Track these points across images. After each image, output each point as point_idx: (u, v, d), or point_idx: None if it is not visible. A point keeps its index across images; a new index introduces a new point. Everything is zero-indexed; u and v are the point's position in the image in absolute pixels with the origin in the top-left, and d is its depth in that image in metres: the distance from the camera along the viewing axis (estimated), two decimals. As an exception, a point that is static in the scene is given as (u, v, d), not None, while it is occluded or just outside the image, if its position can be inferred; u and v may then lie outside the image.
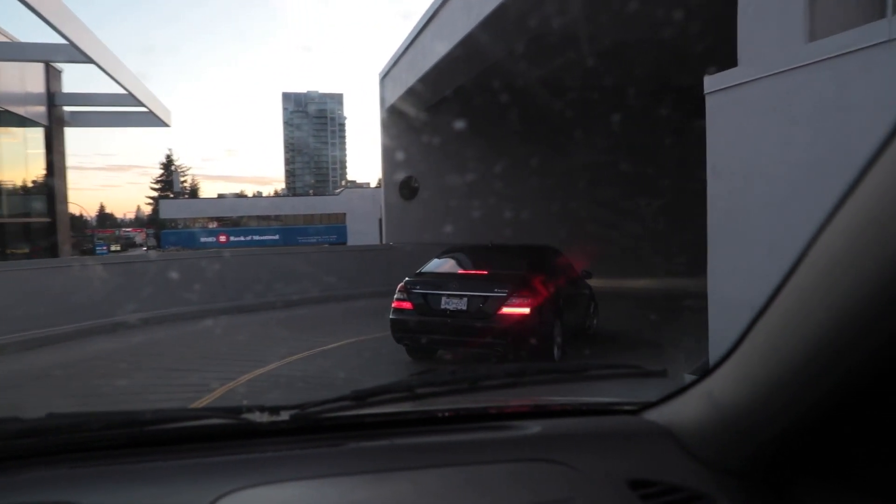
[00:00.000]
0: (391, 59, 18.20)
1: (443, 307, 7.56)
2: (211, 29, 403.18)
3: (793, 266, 0.92)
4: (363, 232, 40.91)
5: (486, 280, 7.78)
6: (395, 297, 7.97)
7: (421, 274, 8.33)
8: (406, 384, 1.44)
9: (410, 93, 16.72)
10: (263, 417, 1.32)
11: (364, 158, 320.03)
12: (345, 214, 52.71)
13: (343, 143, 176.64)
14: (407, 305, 7.82)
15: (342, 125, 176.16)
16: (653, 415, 1.43)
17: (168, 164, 75.36)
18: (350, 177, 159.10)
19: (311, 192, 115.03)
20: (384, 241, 19.56)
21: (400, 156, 18.84)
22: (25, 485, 1.13)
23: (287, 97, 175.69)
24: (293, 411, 1.33)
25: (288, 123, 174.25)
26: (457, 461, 1.28)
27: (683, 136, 18.18)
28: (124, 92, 15.32)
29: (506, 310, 7.24)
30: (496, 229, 18.21)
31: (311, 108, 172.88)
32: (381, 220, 38.66)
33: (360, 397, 1.36)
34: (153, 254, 25.57)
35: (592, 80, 16.54)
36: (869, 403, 0.95)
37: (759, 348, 1.04)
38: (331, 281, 15.47)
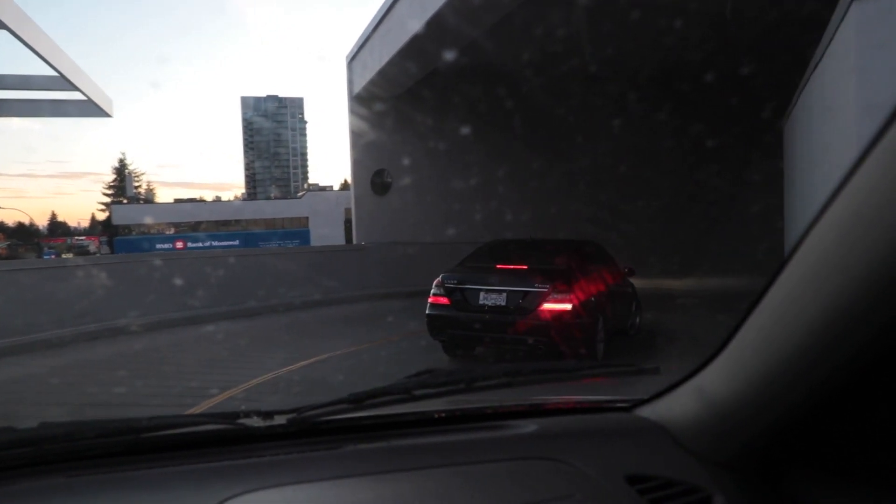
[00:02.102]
0: (359, 38, 16.53)
1: (481, 302, 7.29)
2: (166, 34, 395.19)
3: (784, 261, 0.93)
4: (327, 236, 40.09)
5: (526, 275, 7.40)
6: (432, 291, 7.70)
7: (458, 268, 8.02)
8: (403, 386, 1.46)
9: (382, 75, 15.10)
10: (261, 422, 1.32)
11: (327, 162, 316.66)
12: (307, 218, 52.08)
13: (304, 147, 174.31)
14: (443, 301, 7.55)
15: (303, 129, 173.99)
16: (646, 411, 1.44)
17: (121, 169, 72.29)
18: (312, 180, 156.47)
19: (272, 195, 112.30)
20: (355, 242, 17.81)
21: (370, 147, 17.22)
22: (21, 495, 1.13)
23: (246, 101, 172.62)
24: (290, 415, 1.34)
25: (247, 128, 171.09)
26: (455, 461, 1.28)
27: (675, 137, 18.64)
28: (54, 74, 13.35)
29: (547, 305, 6.95)
30: (480, 225, 16.98)
31: (271, 112, 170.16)
32: (346, 222, 38.14)
33: (358, 400, 1.38)
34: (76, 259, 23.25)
35: (578, 62, 15.19)
36: (858, 395, 0.96)
37: (751, 342, 1.06)
38: (295, 286, 13.76)
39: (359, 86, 16.88)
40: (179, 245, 47.13)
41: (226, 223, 58.04)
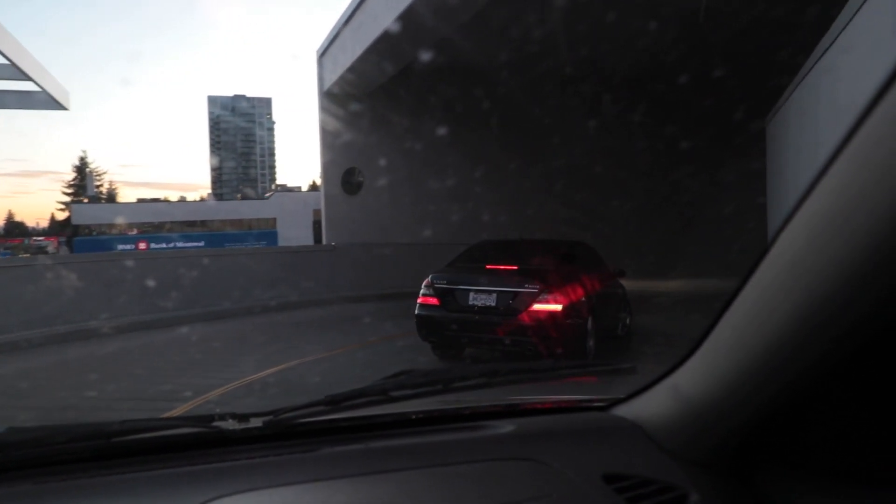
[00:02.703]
0: (330, 32, 15.97)
1: (470, 303, 7.24)
2: (131, 32, 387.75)
3: (756, 261, 0.95)
4: (295, 237, 39.56)
5: (516, 275, 7.33)
6: (421, 292, 7.62)
7: (447, 268, 7.98)
8: (380, 387, 1.46)
9: (353, 71, 14.58)
10: (236, 425, 1.30)
11: (295, 162, 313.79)
12: (275, 219, 51.42)
13: (272, 148, 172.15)
14: (433, 301, 7.48)
15: (271, 129, 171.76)
16: (622, 410, 1.45)
17: (82, 167, 70.29)
18: (281, 181, 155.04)
19: (239, 196, 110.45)
20: (326, 242, 17.20)
21: (342, 145, 16.67)
22: None
23: (213, 101, 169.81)
24: (266, 418, 1.32)
25: (214, 128, 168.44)
26: (432, 462, 1.27)
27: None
28: (4, 62, 12.55)
29: (537, 306, 6.92)
30: (456, 226, 16.58)
31: (239, 112, 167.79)
32: (315, 224, 37.58)
33: (334, 402, 1.37)
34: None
35: (553, 63, 14.87)
36: (827, 393, 0.99)
37: (724, 341, 1.07)
38: (263, 288, 13.15)
39: (329, 82, 16.33)
40: (143, 246, 45.86)
41: (191, 224, 56.93)
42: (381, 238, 16.16)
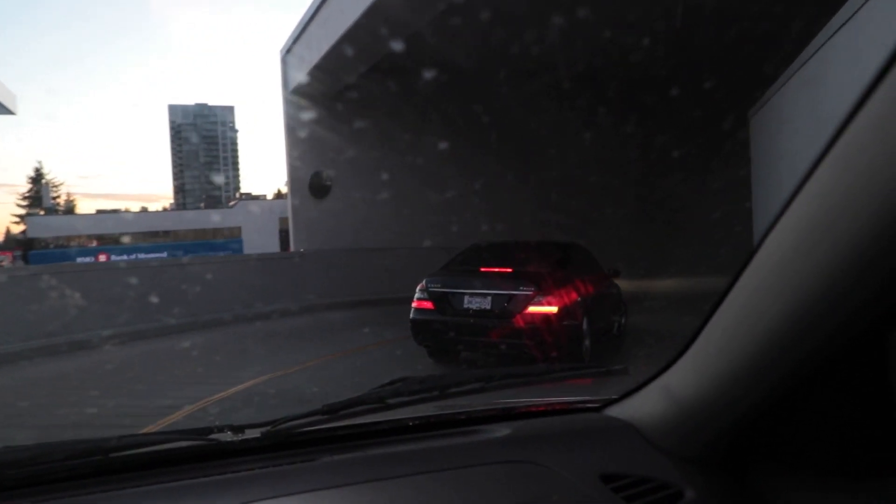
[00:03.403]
0: (295, 29, 15.31)
1: (465, 306, 7.20)
2: (86, 41, 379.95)
3: (743, 264, 0.97)
4: (261, 246, 38.87)
5: (510, 278, 7.27)
6: (416, 296, 7.57)
7: (442, 272, 7.91)
8: (377, 395, 1.47)
9: (320, 69, 13.96)
10: (234, 437, 1.30)
11: (260, 171, 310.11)
12: (240, 228, 50.69)
13: (236, 156, 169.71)
14: (427, 305, 7.44)
15: (234, 137, 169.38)
16: (615, 410, 1.47)
17: (37, 179, 68.04)
18: (245, 190, 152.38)
19: (201, 205, 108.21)
20: (293, 249, 16.48)
21: (308, 147, 16.02)
22: None
23: (174, 109, 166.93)
24: (264, 428, 1.32)
25: (176, 137, 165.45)
26: (431, 468, 1.28)
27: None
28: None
29: (532, 309, 6.89)
30: (429, 229, 16.08)
31: (201, 121, 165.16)
32: (282, 232, 36.91)
33: (332, 411, 1.38)
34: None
35: (526, 53, 14.44)
36: (816, 389, 1.02)
37: (715, 342, 1.09)
38: (226, 299, 12.42)
39: (295, 81, 15.67)
40: (102, 258, 44.52)
41: (153, 235, 55.49)
42: (352, 243, 15.54)
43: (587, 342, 7.40)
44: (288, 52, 16.08)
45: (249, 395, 6.56)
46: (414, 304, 7.59)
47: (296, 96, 15.96)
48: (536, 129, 17.04)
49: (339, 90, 15.25)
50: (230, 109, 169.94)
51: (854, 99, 0.73)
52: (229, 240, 49.84)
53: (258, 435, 1.32)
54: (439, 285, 7.51)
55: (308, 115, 15.82)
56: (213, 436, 1.31)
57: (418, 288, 7.63)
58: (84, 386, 7.54)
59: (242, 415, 5.88)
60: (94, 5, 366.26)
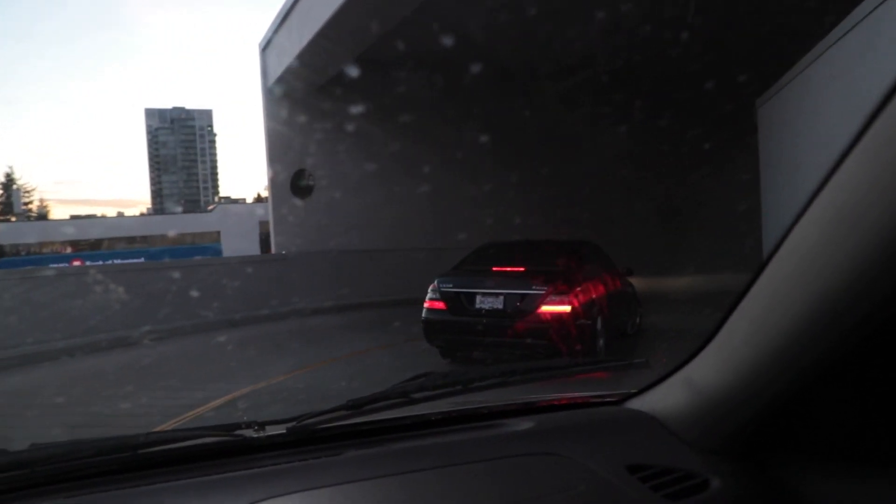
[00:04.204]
0: (275, 20, 14.55)
1: (477, 306, 7.16)
2: (60, 46, 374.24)
3: (769, 256, 0.98)
4: (242, 250, 38.16)
5: (523, 277, 7.25)
6: (428, 296, 7.55)
7: (454, 271, 7.88)
8: (401, 390, 1.48)
9: (302, 61, 13.23)
10: (260, 432, 1.32)
11: (240, 174, 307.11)
12: (219, 233, 50.14)
13: (214, 160, 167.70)
14: (439, 305, 7.41)
15: (213, 141, 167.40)
16: (637, 403, 1.49)
17: (8, 184, 66.31)
18: (224, 194, 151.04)
19: (179, 209, 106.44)
20: (275, 251, 15.70)
21: (290, 145, 15.28)
22: None
23: (150, 113, 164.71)
24: (290, 424, 1.35)
25: (153, 141, 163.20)
26: (455, 461, 1.29)
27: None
28: None
29: (545, 308, 6.83)
30: (418, 229, 15.49)
31: (178, 125, 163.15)
32: (262, 236, 36.26)
33: (357, 406, 1.40)
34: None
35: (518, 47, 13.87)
36: (838, 378, 1.03)
37: (740, 333, 1.11)
38: (203, 304, 11.65)
39: (274, 75, 14.92)
40: (77, 265, 43.42)
41: (130, 240, 53.95)
42: (336, 245, 14.81)
43: (601, 341, 7.36)
44: (268, 44, 15.33)
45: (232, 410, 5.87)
46: (426, 305, 7.57)
47: (276, 91, 15.20)
48: (534, 128, 16.42)
49: (323, 84, 14.52)
50: (208, 113, 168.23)
51: (882, 91, 0.73)
52: (208, 244, 49.24)
53: (283, 431, 1.33)
54: (451, 285, 7.45)
55: (289, 110, 15.08)
56: (238, 432, 1.32)
57: (430, 288, 7.60)
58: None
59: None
60: (67, 6, 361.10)
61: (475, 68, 14.04)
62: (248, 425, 1.33)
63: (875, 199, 0.77)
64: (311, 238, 14.97)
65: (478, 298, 7.19)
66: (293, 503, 1.14)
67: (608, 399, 1.59)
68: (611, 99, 16.64)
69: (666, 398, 1.38)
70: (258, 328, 11.70)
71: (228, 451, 1.30)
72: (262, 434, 1.32)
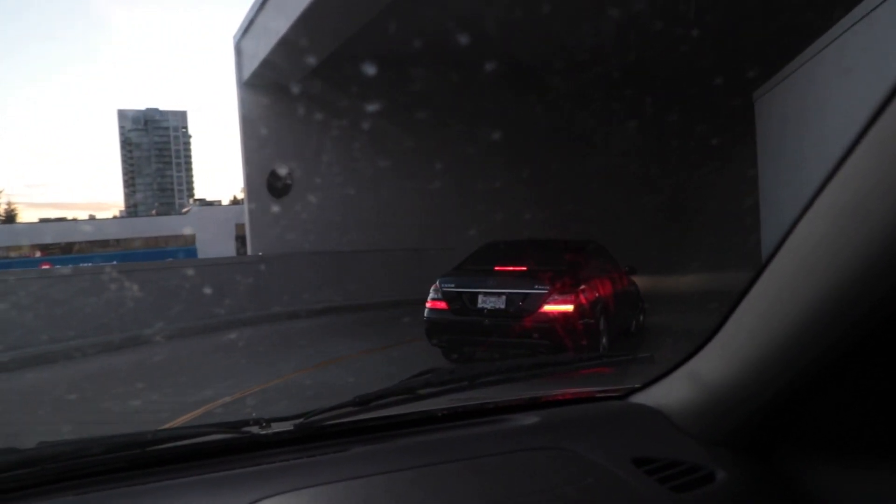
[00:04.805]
0: (249, 11, 13.93)
1: (480, 306, 7.14)
2: (29, 46, 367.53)
3: (774, 250, 0.99)
4: (217, 253, 37.78)
5: (525, 276, 7.23)
6: (430, 296, 7.51)
7: (455, 271, 7.85)
8: (407, 386, 1.48)
9: (278, 54, 12.64)
10: (267, 429, 1.32)
11: (215, 176, 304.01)
12: (194, 235, 49.62)
13: (189, 162, 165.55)
14: (441, 305, 7.39)
15: (187, 142, 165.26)
16: (642, 397, 1.50)
17: (-25, 187, 64.60)
18: (199, 195, 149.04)
19: (153, 212, 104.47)
20: (251, 253, 15.05)
21: (266, 142, 14.69)
22: None
23: (124, 115, 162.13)
24: (297, 420, 1.35)
25: (126, 143, 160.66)
26: (462, 456, 1.29)
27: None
28: None
29: (547, 307, 6.82)
30: (401, 229, 14.99)
31: (152, 126, 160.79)
32: (238, 238, 35.66)
33: (363, 402, 1.40)
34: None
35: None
36: (845, 373, 1.03)
37: (745, 327, 1.12)
38: (178, 309, 11.03)
39: (250, 69, 14.29)
40: (47, 268, 42.28)
41: (103, 243, 52.96)
42: (316, 246, 14.24)
43: (604, 341, 7.34)
44: (244, 34, 14.70)
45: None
46: (428, 305, 7.52)
47: (251, 87, 14.59)
48: (526, 126, 15.97)
49: (301, 77, 13.93)
50: (183, 114, 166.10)
51: (888, 85, 0.73)
52: (183, 247, 48.55)
53: (290, 427, 1.34)
54: (453, 285, 7.42)
55: (265, 106, 14.49)
56: (247, 428, 1.32)
57: (432, 288, 7.55)
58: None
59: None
60: (36, 5, 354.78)
61: (466, 65, 13.59)
62: (256, 422, 1.33)
63: (881, 194, 0.78)
64: (289, 238, 14.38)
65: (480, 298, 7.16)
66: (301, 499, 1.14)
67: (613, 394, 1.60)
68: (621, 94, 16.47)
69: (670, 392, 1.39)
70: (236, 333, 11.11)
71: (236, 447, 1.30)
72: (269, 431, 1.32)
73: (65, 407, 6.45)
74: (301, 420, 1.34)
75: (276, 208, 14.81)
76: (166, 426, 5.05)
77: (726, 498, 1.17)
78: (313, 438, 1.34)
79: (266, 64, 13.38)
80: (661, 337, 9.07)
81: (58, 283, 10.53)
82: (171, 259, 22.04)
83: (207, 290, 11.89)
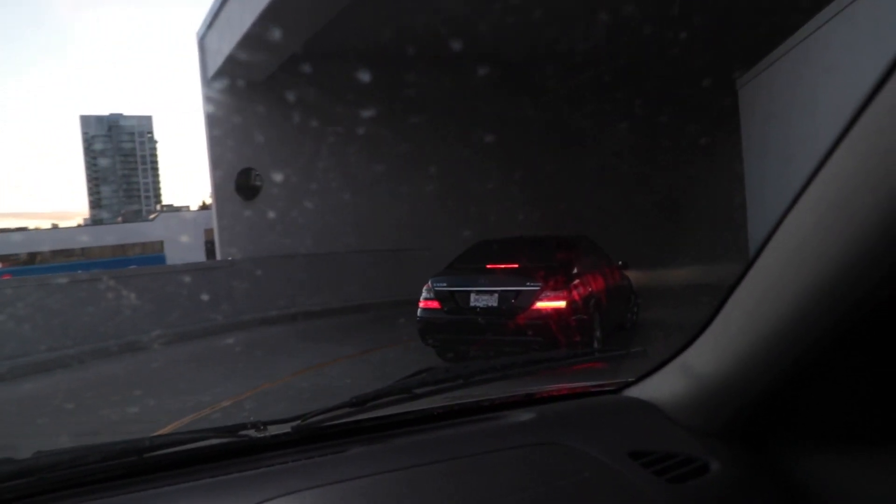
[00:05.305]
0: (213, 4, 13.37)
1: (472, 304, 7.12)
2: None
3: (763, 244, 1.01)
4: (186, 259, 36.66)
5: (517, 274, 7.22)
6: (422, 296, 7.50)
7: (447, 270, 7.84)
8: (403, 386, 1.49)
9: (245, 48, 12.12)
10: (265, 432, 1.32)
11: (183, 181, 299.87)
12: (162, 242, 48.82)
13: (156, 167, 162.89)
14: (434, 304, 7.37)
15: (153, 148, 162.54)
16: (635, 391, 1.52)
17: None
18: (167, 201, 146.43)
19: (119, 219, 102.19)
20: (220, 258, 14.47)
21: (234, 143, 14.14)
22: None
23: (86, 121, 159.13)
24: (294, 423, 1.35)
25: (89, 149, 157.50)
26: (460, 453, 1.29)
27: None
28: None
29: (540, 304, 6.81)
30: (375, 230, 14.61)
31: (116, 131, 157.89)
32: (207, 244, 34.97)
33: (360, 402, 1.40)
34: None
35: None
36: (835, 363, 1.05)
37: (736, 320, 1.14)
38: (146, 320, 10.47)
39: (214, 66, 13.73)
40: (7, 279, 41.02)
41: (67, 253, 51.66)
42: (288, 249, 13.74)
43: (598, 336, 7.31)
44: (205, 34, 14.13)
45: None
46: (420, 304, 7.49)
47: (216, 84, 14.03)
48: (509, 124, 15.66)
49: (271, 73, 13.42)
50: (148, 119, 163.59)
51: (875, 78, 0.74)
52: (151, 255, 47.67)
53: (288, 430, 1.33)
54: (445, 284, 7.37)
55: (231, 104, 13.93)
56: (243, 432, 1.31)
57: (424, 288, 7.50)
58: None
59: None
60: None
61: (421, 58, 13.22)
62: (253, 425, 1.32)
63: (867, 189, 0.79)
64: (260, 242, 13.86)
65: (472, 297, 7.13)
66: (300, 501, 1.13)
67: (607, 388, 1.61)
68: (612, 95, 16.55)
69: (663, 385, 1.40)
70: (206, 342, 10.57)
71: (234, 451, 1.30)
72: (266, 434, 1.32)
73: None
74: (298, 422, 1.34)
75: (246, 211, 14.28)
76: (158, 433, 4.60)
77: (721, 488, 1.20)
78: (311, 440, 1.34)
79: (231, 60, 12.84)
80: (653, 331, 9.05)
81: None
82: (133, 266, 21.23)
83: (179, 299, 11.35)
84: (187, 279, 12.13)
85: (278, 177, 14.18)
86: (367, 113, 13.04)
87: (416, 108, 14.48)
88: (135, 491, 1.16)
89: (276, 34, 10.86)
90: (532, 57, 15.07)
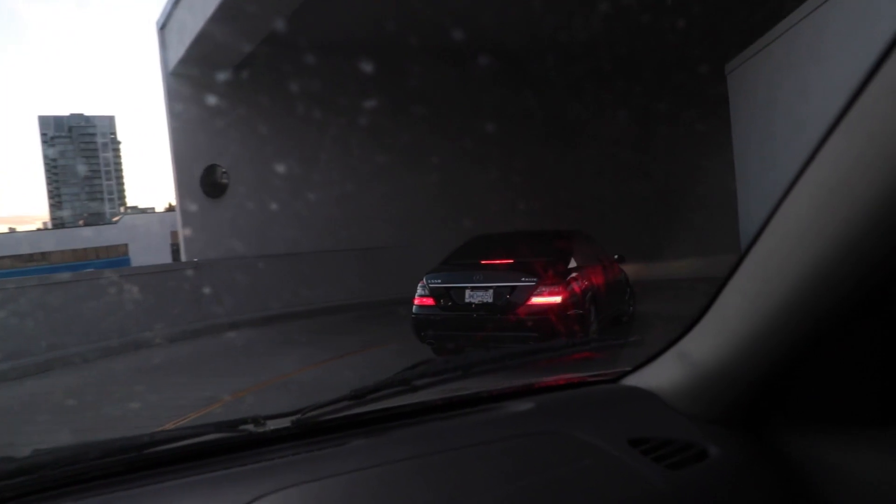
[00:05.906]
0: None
1: (467, 301, 7.07)
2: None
3: (759, 230, 1.01)
4: (153, 262, 35.72)
5: (511, 269, 7.17)
6: (417, 293, 7.42)
7: (441, 266, 7.75)
8: (402, 378, 1.48)
9: (206, 38, 11.49)
10: (264, 426, 1.32)
11: (148, 182, 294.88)
12: (126, 245, 47.80)
13: (119, 169, 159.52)
14: (428, 301, 7.31)
15: (116, 149, 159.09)
16: (633, 380, 1.53)
17: None
18: (131, 203, 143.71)
19: (81, 222, 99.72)
20: (187, 259, 13.77)
21: (198, 138, 13.49)
22: None
23: (45, 121, 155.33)
24: (293, 417, 1.35)
25: (49, 150, 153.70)
26: (460, 444, 1.30)
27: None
28: None
29: (535, 300, 6.77)
30: (344, 229, 14.11)
31: (77, 132, 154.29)
32: (174, 246, 34.13)
33: (359, 395, 1.40)
34: None
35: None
36: (833, 347, 1.07)
37: (732, 307, 1.15)
38: (105, 326, 9.84)
39: (175, 58, 13.04)
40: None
41: (27, 258, 50.25)
42: (256, 250, 13.14)
43: (594, 330, 7.31)
44: (165, 23, 13.40)
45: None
46: (415, 302, 7.41)
47: (178, 77, 13.34)
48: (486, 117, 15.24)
49: (237, 63, 12.78)
50: (110, 119, 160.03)
51: (870, 62, 0.74)
52: (115, 258, 46.58)
53: (288, 424, 1.33)
54: (439, 280, 7.30)
55: (193, 97, 13.23)
56: (243, 427, 1.31)
57: (419, 284, 7.43)
58: None
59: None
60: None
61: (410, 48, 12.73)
62: (253, 420, 1.31)
63: (865, 171, 0.79)
64: (227, 243, 13.22)
65: (467, 293, 7.07)
66: (301, 494, 1.12)
67: (605, 377, 1.62)
68: (610, 85, 16.45)
69: (661, 373, 1.41)
70: (172, 349, 9.95)
71: (234, 446, 1.29)
72: (266, 428, 1.30)
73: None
74: (298, 416, 1.34)
75: (212, 211, 13.62)
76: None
77: (719, 473, 1.21)
78: (311, 434, 1.34)
79: (192, 52, 12.18)
80: (650, 321, 8.99)
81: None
82: (91, 269, 20.36)
83: (142, 303, 10.68)
84: (148, 283, 11.45)
85: (246, 174, 13.56)
86: (340, 105, 12.48)
87: (408, 100, 14.02)
88: (135, 487, 1.16)
89: (239, 21, 10.27)
90: (532, 47, 14.79)
